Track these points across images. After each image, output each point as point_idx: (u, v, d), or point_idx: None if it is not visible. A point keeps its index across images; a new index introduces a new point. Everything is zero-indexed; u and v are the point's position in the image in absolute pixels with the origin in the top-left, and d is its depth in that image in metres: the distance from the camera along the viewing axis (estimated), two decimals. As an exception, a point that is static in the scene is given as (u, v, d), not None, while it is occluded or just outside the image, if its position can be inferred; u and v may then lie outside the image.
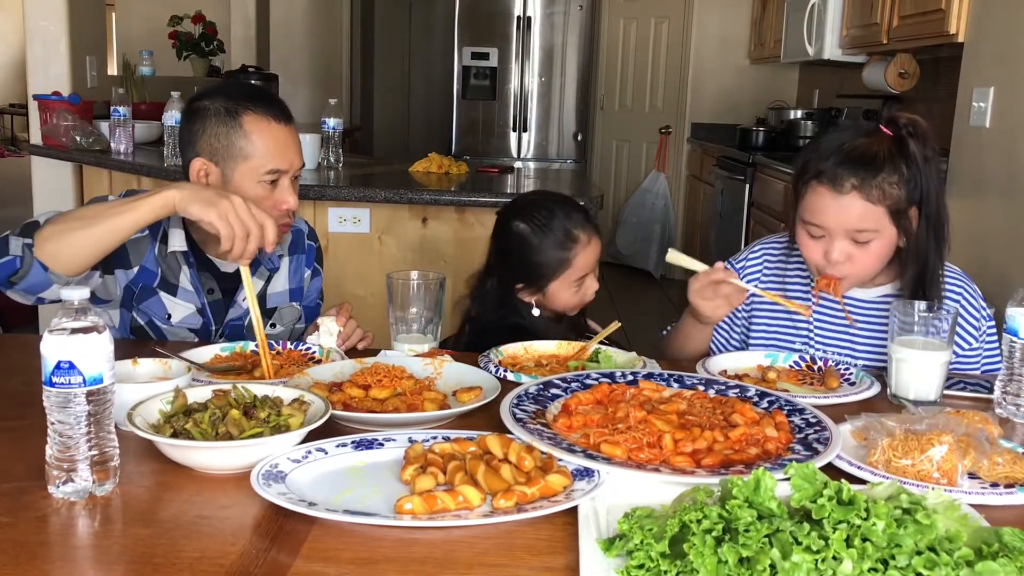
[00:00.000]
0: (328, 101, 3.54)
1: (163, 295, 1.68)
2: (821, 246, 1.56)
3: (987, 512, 0.99)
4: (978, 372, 1.67)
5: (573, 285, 1.80)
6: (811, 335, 1.70)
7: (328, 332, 1.57)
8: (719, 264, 1.60)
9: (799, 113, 5.36)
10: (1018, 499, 1.05)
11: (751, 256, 1.79)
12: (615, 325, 1.68)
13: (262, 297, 1.78)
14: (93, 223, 1.42)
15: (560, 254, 1.78)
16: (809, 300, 1.69)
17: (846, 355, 1.66)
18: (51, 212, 1.54)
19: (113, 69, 5.30)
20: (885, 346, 1.65)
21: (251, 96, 1.63)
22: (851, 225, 1.51)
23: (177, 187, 1.42)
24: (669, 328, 1.89)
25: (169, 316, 1.69)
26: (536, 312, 1.82)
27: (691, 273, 1.60)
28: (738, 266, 1.78)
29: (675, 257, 1.62)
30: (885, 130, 1.54)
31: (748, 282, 1.71)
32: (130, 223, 1.42)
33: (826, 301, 1.68)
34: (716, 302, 1.58)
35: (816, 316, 1.69)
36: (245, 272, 1.46)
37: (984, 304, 1.68)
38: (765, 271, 1.75)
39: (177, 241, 1.67)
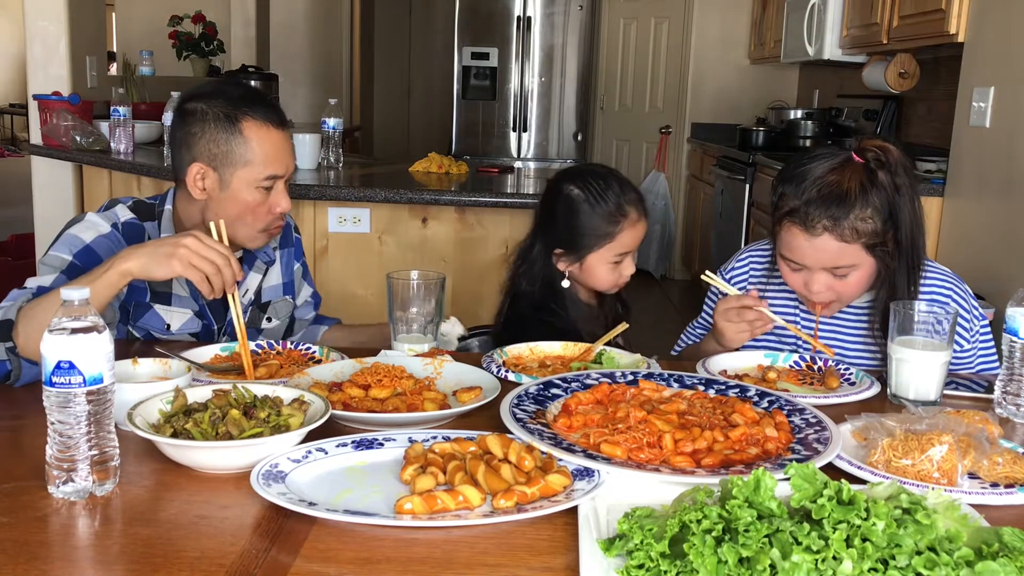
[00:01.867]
0: (328, 101, 3.54)
1: (158, 308, 1.66)
2: (801, 278, 1.58)
3: (987, 512, 0.99)
4: (973, 372, 1.67)
5: (611, 262, 1.77)
6: (798, 342, 1.70)
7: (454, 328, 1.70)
8: (753, 292, 1.61)
9: (799, 113, 5.36)
10: (1018, 499, 1.05)
11: (738, 264, 1.80)
12: (622, 326, 1.68)
13: (257, 292, 1.78)
14: None
15: (606, 226, 1.75)
16: (796, 314, 1.71)
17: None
18: (15, 296, 1.46)
19: (113, 69, 5.30)
20: (871, 351, 1.66)
21: (249, 100, 1.61)
22: (827, 263, 1.53)
23: (124, 257, 1.37)
24: (680, 346, 1.89)
25: (168, 326, 1.67)
26: (566, 284, 1.78)
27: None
28: (727, 275, 1.78)
29: (710, 278, 1.67)
30: (857, 158, 1.53)
31: (736, 287, 1.73)
32: (100, 303, 1.36)
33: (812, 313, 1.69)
34: (740, 326, 1.58)
35: (803, 324, 1.70)
36: (234, 298, 1.45)
37: (976, 304, 1.68)
38: (751, 279, 1.76)
39: None
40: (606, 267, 1.77)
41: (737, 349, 1.70)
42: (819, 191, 1.50)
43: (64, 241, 1.58)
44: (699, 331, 1.87)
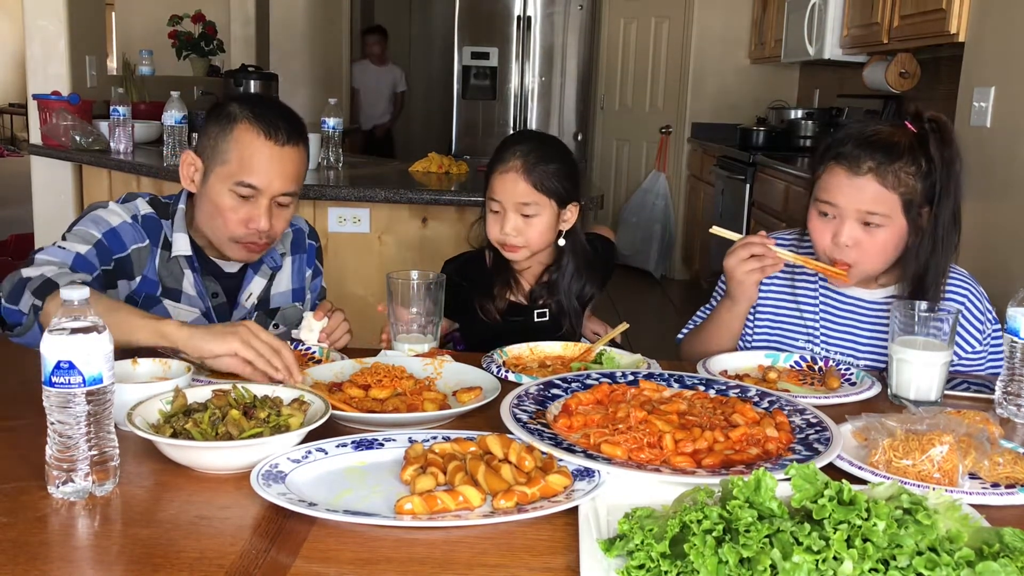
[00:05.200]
0: (328, 101, 3.54)
1: (167, 303, 1.67)
2: (831, 228, 1.56)
3: (988, 512, 0.99)
4: (982, 374, 1.67)
5: (491, 208, 1.79)
6: (816, 333, 1.70)
7: (308, 328, 1.56)
8: (761, 232, 1.61)
9: (799, 113, 5.35)
10: (1019, 499, 1.05)
11: None
12: (623, 326, 1.67)
13: (265, 298, 1.78)
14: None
15: (491, 164, 1.81)
16: (817, 299, 1.70)
17: (848, 355, 1.66)
18: (52, 254, 1.51)
19: (113, 69, 5.30)
20: (881, 349, 1.65)
21: (261, 111, 1.60)
22: (863, 206, 1.52)
23: (176, 326, 1.29)
24: (685, 330, 1.88)
25: None
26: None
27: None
28: None
29: (717, 231, 1.67)
30: (910, 126, 1.54)
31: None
32: (124, 341, 1.29)
33: (831, 300, 1.68)
34: (749, 263, 1.58)
35: (822, 314, 1.70)
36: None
37: (990, 307, 1.68)
38: None
39: (181, 245, 1.66)
40: (489, 213, 1.80)
41: (751, 345, 1.69)
42: (869, 138, 1.52)
43: (92, 219, 1.62)
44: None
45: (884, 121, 1.58)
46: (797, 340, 1.71)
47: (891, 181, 1.50)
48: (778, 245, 1.71)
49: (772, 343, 1.71)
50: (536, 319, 1.84)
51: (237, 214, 1.59)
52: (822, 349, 1.68)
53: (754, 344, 1.73)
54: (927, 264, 1.56)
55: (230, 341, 1.26)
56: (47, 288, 1.40)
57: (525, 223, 1.76)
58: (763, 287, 1.72)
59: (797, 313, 1.71)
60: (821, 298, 1.70)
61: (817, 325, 1.70)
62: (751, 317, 1.74)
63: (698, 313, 1.87)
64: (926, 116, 1.54)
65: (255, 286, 1.76)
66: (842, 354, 1.66)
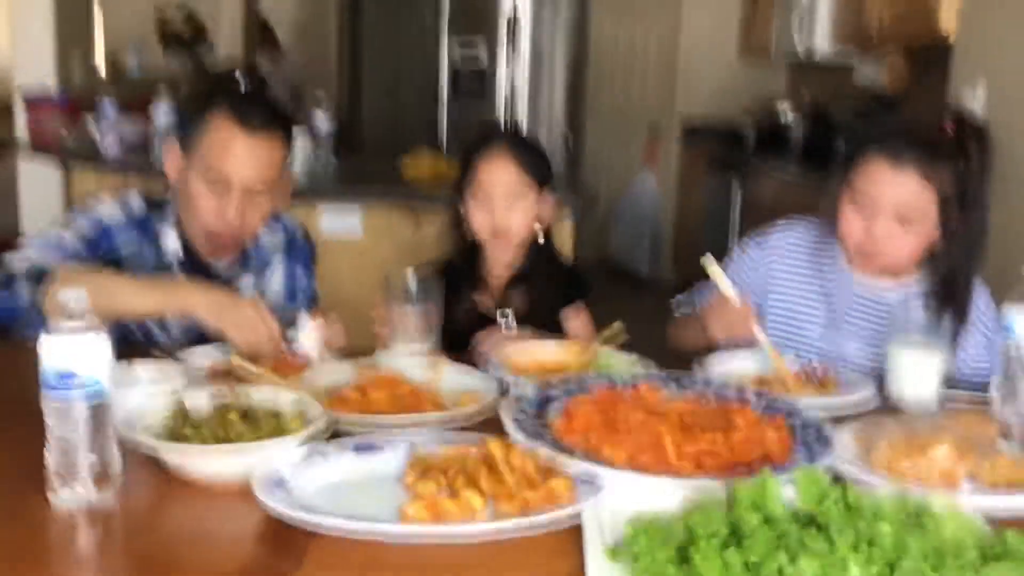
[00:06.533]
0: (317, 98, 3.52)
1: None
2: (863, 217, 1.55)
3: (988, 514, 0.99)
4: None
5: (475, 195, 1.78)
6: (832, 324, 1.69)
7: (302, 328, 1.54)
8: (748, 306, 1.55)
9: (790, 113, 5.37)
10: (1019, 501, 1.05)
11: (776, 233, 1.77)
12: (617, 326, 1.67)
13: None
14: (109, 298, 1.39)
15: (470, 155, 1.81)
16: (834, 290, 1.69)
17: (862, 348, 1.65)
18: (35, 244, 1.52)
19: (101, 68, 5.26)
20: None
21: (238, 101, 1.61)
22: (902, 201, 1.51)
23: (199, 294, 1.44)
24: (685, 303, 1.86)
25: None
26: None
27: None
28: (768, 240, 1.76)
29: (710, 266, 1.59)
30: (951, 127, 1.55)
31: (768, 259, 1.74)
32: (143, 311, 1.47)
33: (850, 293, 1.68)
34: (720, 315, 1.56)
35: (829, 315, 1.70)
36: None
37: (997, 310, 1.68)
38: (788, 249, 1.74)
39: (171, 244, 1.66)
40: (475, 204, 1.78)
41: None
42: (913, 133, 1.53)
43: (83, 212, 1.64)
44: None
45: (924, 120, 1.59)
46: (814, 330, 1.70)
47: (933, 177, 1.50)
48: (782, 232, 1.74)
49: (788, 330, 1.70)
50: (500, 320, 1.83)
51: (209, 203, 1.59)
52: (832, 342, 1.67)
53: (769, 329, 1.70)
54: (954, 268, 1.56)
55: (224, 318, 1.42)
56: (38, 274, 1.42)
57: (513, 207, 1.77)
58: (783, 273, 1.71)
59: (805, 315, 1.71)
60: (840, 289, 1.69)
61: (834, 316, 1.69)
62: (766, 304, 1.72)
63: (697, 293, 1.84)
64: (963, 123, 1.55)
65: (245, 283, 1.75)
66: (855, 347, 1.66)
